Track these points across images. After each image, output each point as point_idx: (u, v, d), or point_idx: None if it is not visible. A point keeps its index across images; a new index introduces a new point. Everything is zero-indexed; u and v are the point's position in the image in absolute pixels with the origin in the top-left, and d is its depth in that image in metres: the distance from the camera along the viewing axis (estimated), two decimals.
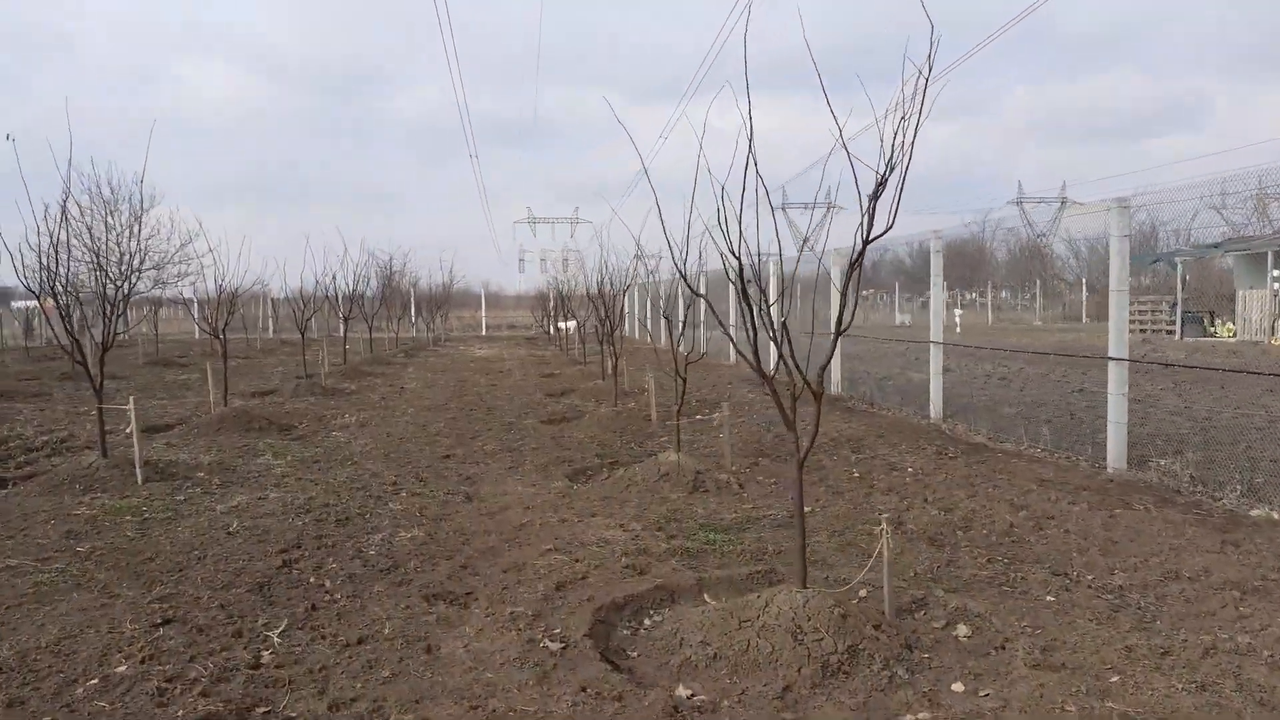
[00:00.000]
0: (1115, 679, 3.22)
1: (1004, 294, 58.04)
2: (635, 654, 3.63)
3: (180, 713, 3.05)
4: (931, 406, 9.84)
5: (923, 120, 3.57)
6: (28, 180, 7.19)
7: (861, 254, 3.74)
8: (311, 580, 4.49)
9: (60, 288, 7.22)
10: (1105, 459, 6.94)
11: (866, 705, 3.11)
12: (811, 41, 4.06)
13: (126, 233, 18.25)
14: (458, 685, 3.28)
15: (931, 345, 10.03)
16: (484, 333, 40.67)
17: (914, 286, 49.72)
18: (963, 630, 3.71)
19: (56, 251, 7.12)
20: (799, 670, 3.30)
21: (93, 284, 10.85)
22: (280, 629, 3.81)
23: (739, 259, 3.99)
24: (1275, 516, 5.36)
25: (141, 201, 19.86)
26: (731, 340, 5.00)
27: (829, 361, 4.08)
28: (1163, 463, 6.73)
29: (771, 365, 3.95)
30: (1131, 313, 7.61)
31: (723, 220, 4.02)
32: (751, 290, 3.95)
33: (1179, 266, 28.13)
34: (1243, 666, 3.29)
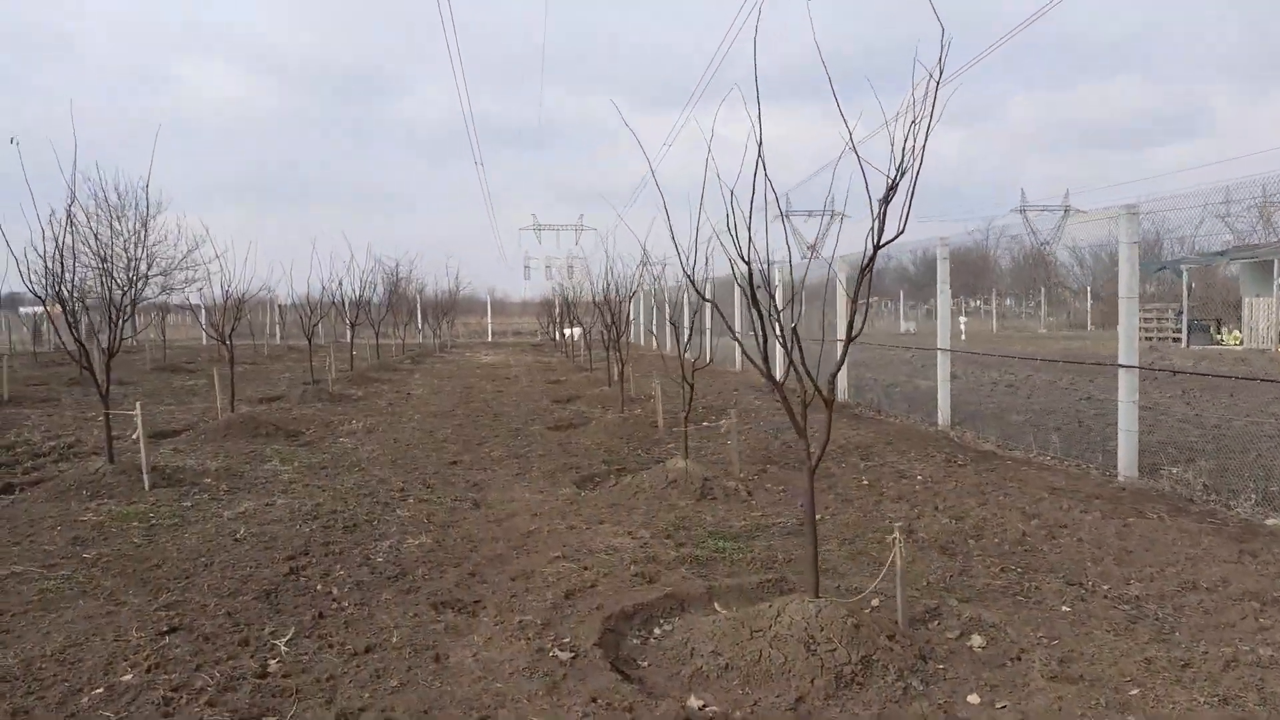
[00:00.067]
0: (1135, 691, 3.16)
1: (1008, 302, 57.84)
2: (646, 664, 3.59)
3: None
4: (939, 413, 9.79)
5: (934, 124, 3.55)
6: (31, 182, 7.16)
7: (873, 259, 3.70)
8: (319, 588, 4.45)
9: (67, 293, 7.21)
10: (1116, 467, 6.88)
11: (881, 717, 3.06)
12: (819, 46, 4.04)
13: (133, 239, 18.28)
14: (466, 695, 3.24)
15: (939, 352, 9.98)
16: (490, 339, 40.71)
17: (918, 294, 49.65)
18: (977, 641, 3.67)
19: (62, 257, 7.11)
20: (812, 681, 3.25)
21: (99, 289, 10.83)
22: (287, 637, 3.77)
23: (749, 264, 3.96)
24: None
25: (147, 207, 19.83)
26: (740, 346, 4.96)
27: (840, 368, 4.04)
28: (1175, 471, 6.67)
29: (780, 372, 3.92)
30: (1139, 320, 7.55)
31: (732, 226, 3.99)
32: (761, 296, 3.91)
33: (1184, 274, 28.02)
34: (1265, 679, 3.23)
